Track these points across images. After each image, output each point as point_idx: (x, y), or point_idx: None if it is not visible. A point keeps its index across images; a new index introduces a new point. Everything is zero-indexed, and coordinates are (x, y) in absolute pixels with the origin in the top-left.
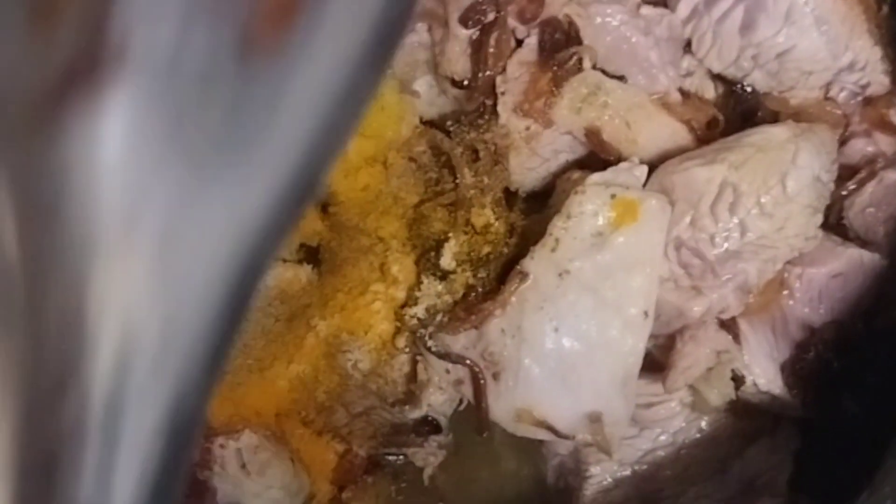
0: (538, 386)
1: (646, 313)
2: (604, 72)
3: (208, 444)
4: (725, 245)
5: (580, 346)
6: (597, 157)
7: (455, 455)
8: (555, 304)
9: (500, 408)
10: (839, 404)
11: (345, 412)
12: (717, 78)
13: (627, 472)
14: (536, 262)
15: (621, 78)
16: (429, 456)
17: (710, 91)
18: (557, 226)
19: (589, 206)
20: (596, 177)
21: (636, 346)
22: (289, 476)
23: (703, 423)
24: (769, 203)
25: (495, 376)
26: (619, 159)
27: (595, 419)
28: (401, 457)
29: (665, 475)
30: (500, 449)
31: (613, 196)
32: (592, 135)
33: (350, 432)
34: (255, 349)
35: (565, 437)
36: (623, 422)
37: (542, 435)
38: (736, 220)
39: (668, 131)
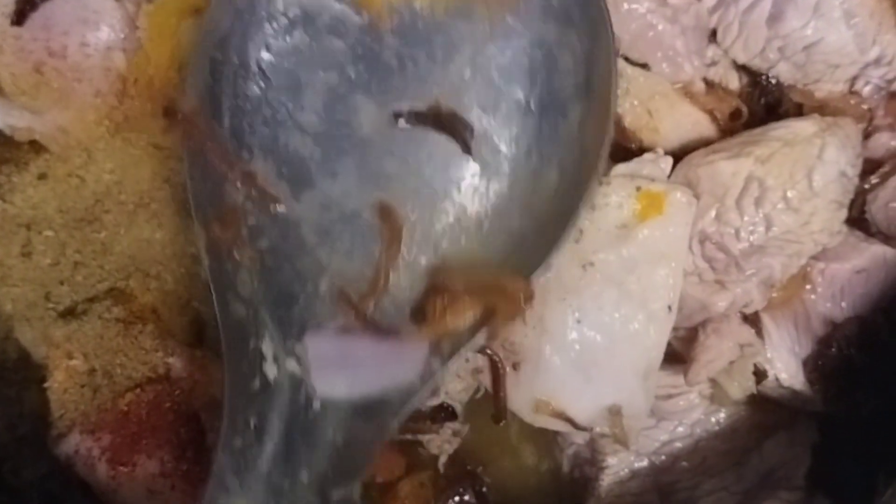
0: (559, 377)
1: (669, 307)
2: (627, 59)
3: None
4: (750, 239)
5: (602, 338)
6: (618, 145)
7: (475, 447)
8: (578, 296)
9: (519, 398)
10: (859, 399)
11: None
12: (741, 69)
13: (644, 463)
14: (560, 253)
15: (644, 66)
16: (444, 443)
17: (734, 82)
18: (581, 216)
19: (614, 197)
20: (621, 168)
21: (659, 339)
22: None
23: (722, 416)
24: (795, 198)
25: (515, 366)
26: (640, 147)
27: (615, 412)
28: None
29: (682, 466)
30: (519, 444)
31: (639, 188)
32: (614, 122)
33: None
34: None
35: (583, 429)
36: (642, 415)
37: (559, 426)
38: (761, 215)
39: (690, 121)
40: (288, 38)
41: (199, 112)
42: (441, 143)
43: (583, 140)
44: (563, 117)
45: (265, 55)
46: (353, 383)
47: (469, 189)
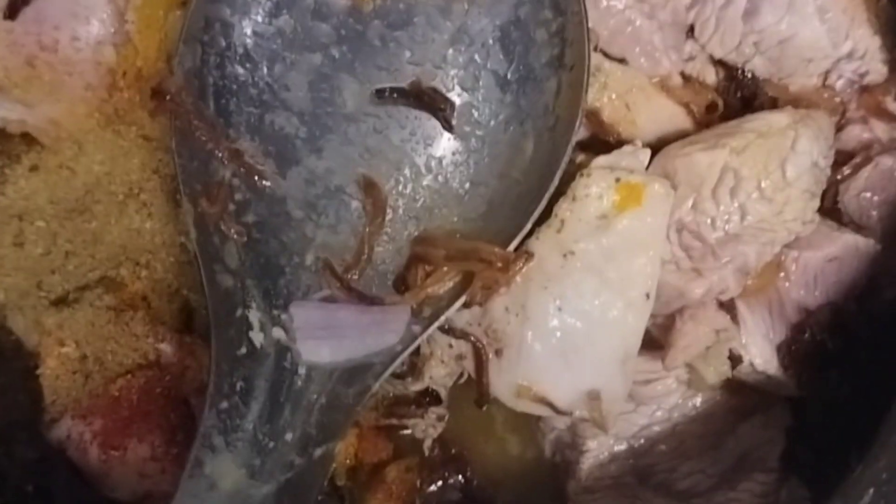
0: (540, 363)
1: (647, 295)
2: (605, 54)
3: None
4: (726, 228)
5: (582, 325)
6: (597, 138)
7: (460, 435)
8: (559, 284)
9: (501, 383)
10: (832, 384)
11: None
12: (718, 63)
13: (623, 447)
14: (542, 242)
15: (622, 60)
16: (428, 427)
17: (710, 76)
18: (563, 207)
19: (594, 188)
20: (601, 160)
21: (637, 326)
22: None
23: (698, 400)
24: (769, 188)
25: (498, 353)
26: (618, 140)
27: (594, 396)
28: (404, 430)
29: (660, 450)
30: (504, 434)
31: (618, 180)
32: (592, 115)
33: None
34: None
35: (563, 413)
36: (620, 399)
37: (540, 411)
38: (736, 204)
39: (666, 113)
40: (273, 22)
41: (187, 92)
42: (422, 119)
43: (558, 111)
44: (539, 90)
45: (251, 38)
46: (337, 349)
47: (450, 163)
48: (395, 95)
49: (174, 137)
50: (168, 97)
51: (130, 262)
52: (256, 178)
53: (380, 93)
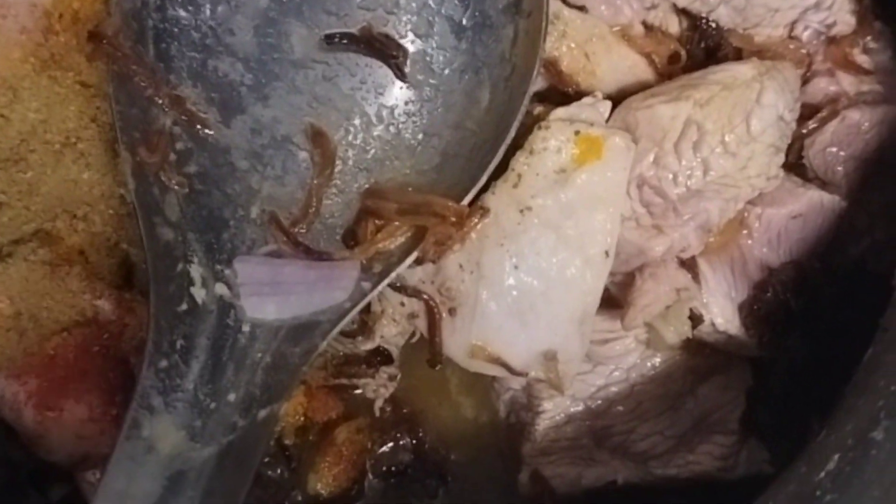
0: (495, 322)
1: (606, 253)
2: (564, 1)
3: None
4: (688, 183)
5: (539, 283)
6: (556, 89)
7: (413, 396)
8: (515, 241)
9: (455, 343)
10: (794, 344)
11: None
12: (681, 12)
13: (580, 408)
14: (498, 198)
15: (582, 8)
16: (379, 388)
17: (674, 25)
18: (520, 161)
19: (552, 141)
20: (560, 112)
21: (595, 285)
22: None
23: (657, 360)
24: (733, 142)
25: (451, 311)
26: (577, 91)
27: (550, 357)
28: (354, 390)
29: (617, 411)
30: (458, 398)
31: (577, 132)
32: (550, 65)
33: None
34: None
35: (519, 374)
36: (577, 360)
37: (495, 371)
38: (699, 159)
39: (627, 64)
40: None
41: (125, 35)
42: (374, 67)
43: (515, 60)
44: (496, 37)
45: None
46: (283, 306)
47: (402, 113)
48: (344, 41)
49: (112, 83)
50: (105, 41)
51: (67, 214)
52: (199, 126)
53: (329, 38)
